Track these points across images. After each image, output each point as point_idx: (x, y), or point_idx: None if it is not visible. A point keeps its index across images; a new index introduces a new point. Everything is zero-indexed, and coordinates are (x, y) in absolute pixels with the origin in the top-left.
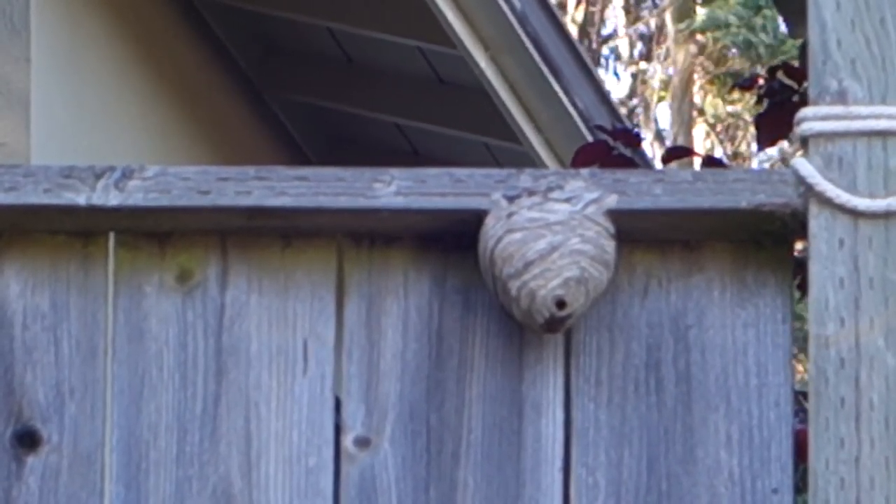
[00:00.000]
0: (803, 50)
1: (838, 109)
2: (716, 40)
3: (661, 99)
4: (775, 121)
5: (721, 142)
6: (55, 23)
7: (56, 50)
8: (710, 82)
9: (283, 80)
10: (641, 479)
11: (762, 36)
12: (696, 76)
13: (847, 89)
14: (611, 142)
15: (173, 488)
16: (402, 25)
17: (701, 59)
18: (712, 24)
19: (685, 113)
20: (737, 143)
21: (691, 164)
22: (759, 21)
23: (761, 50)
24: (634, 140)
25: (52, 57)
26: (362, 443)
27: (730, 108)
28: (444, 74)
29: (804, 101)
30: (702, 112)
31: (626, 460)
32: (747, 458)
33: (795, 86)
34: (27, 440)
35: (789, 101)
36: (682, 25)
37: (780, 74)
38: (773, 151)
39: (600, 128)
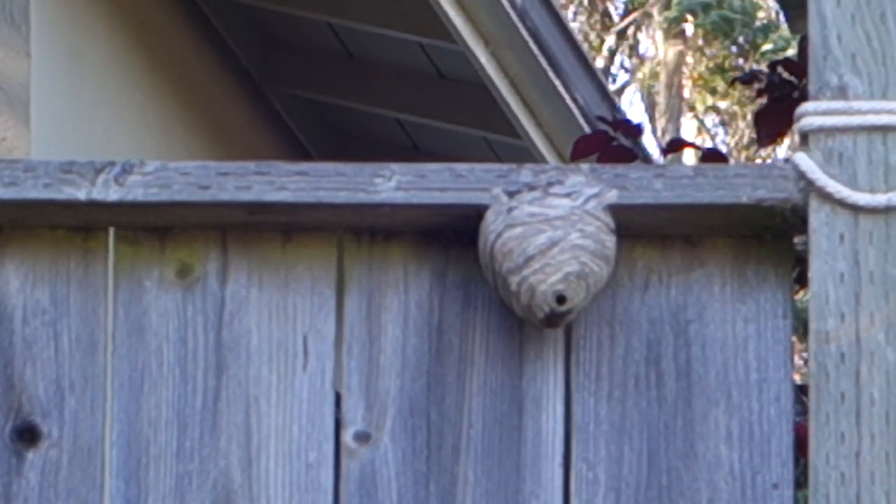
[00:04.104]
0: (803, 45)
1: (839, 104)
2: (697, 27)
3: (649, 86)
4: (775, 117)
5: (712, 137)
6: (55, 17)
7: (56, 45)
8: (699, 77)
9: (283, 75)
10: (642, 473)
11: (744, 17)
12: (684, 69)
13: (847, 84)
14: (611, 132)
15: (173, 483)
16: (402, 21)
17: (689, 53)
18: (687, 10)
19: (674, 108)
20: (732, 137)
21: (681, 157)
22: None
23: (738, 27)
24: (634, 131)
25: (52, 52)
26: (362, 438)
27: (721, 104)
28: (444, 69)
29: (804, 97)
30: (692, 108)
31: (626, 455)
32: (748, 453)
33: (795, 80)
34: (27, 435)
35: (789, 96)
36: (660, 18)
37: (780, 69)
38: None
39: (601, 118)
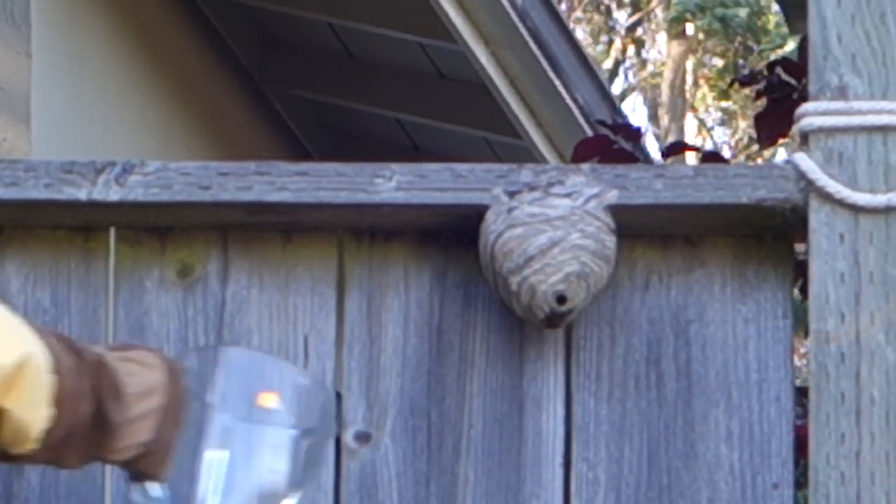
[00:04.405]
0: (803, 45)
1: (839, 105)
2: (697, 29)
3: (653, 82)
4: (775, 119)
5: (711, 135)
6: (56, 18)
7: (57, 45)
8: (705, 77)
9: (283, 75)
10: (642, 473)
11: (738, 10)
12: (688, 70)
13: (847, 84)
14: (611, 136)
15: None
16: (403, 21)
17: (692, 55)
18: (685, 11)
19: (678, 109)
20: (733, 137)
21: (684, 158)
22: None
23: (737, 23)
24: (635, 134)
25: (52, 52)
26: (363, 438)
27: (723, 104)
28: (444, 70)
29: (804, 98)
30: (693, 108)
31: (626, 455)
32: (748, 453)
33: (794, 82)
34: None
35: (789, 97)
36: (663, 17)
37: (779, 70)
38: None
39: (601, 122)
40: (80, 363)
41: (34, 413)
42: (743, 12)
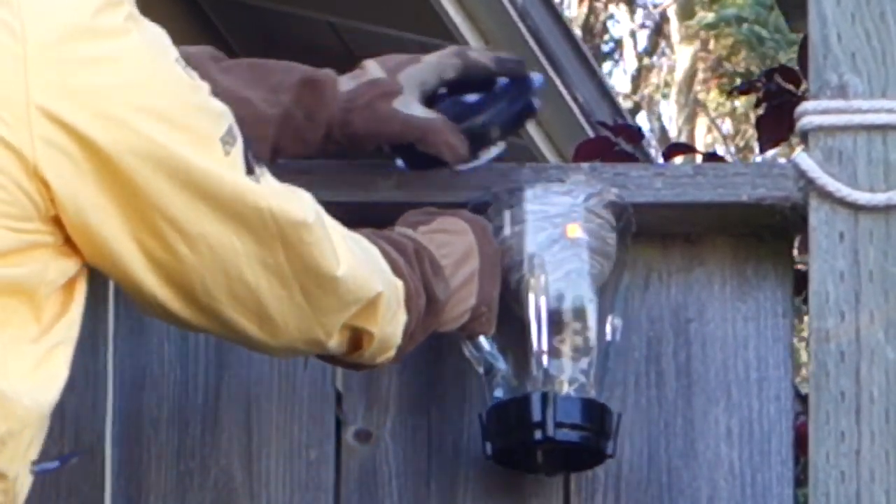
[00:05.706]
0: (803, 45)
1: (839, 103)
2: (718, 37)
3: (664, 96)
4: (777, 122)
5: (724, 138)
6: None
7: None
8: (720, 77)
9: None
10: (642, 472)
11: (775, 35)
12: (699, 72)
13: (847, 83)
14: (612, 137)
15: (174, 481)
16: (403, 20)
17: (704, 55)
18: (721, 22)
19: (689, 109)
20: (743, 137)
21: (693, 160)
22: (771, 19)
23: (770, 47)
24: (636, 136)
25: None
26: (363, 436)
27: (737, 104)
28: None
29: (804, 100)
30: (704, 107)
31: (626, 454)
32: (747, 452)
33: (793, 88)
34: None
35: (789, 103)
36: (691, 22)
37: (777, 77)
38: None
39: (602, 124)
40: (407, 259)
41: (395, 325)
42: (778, 36)
